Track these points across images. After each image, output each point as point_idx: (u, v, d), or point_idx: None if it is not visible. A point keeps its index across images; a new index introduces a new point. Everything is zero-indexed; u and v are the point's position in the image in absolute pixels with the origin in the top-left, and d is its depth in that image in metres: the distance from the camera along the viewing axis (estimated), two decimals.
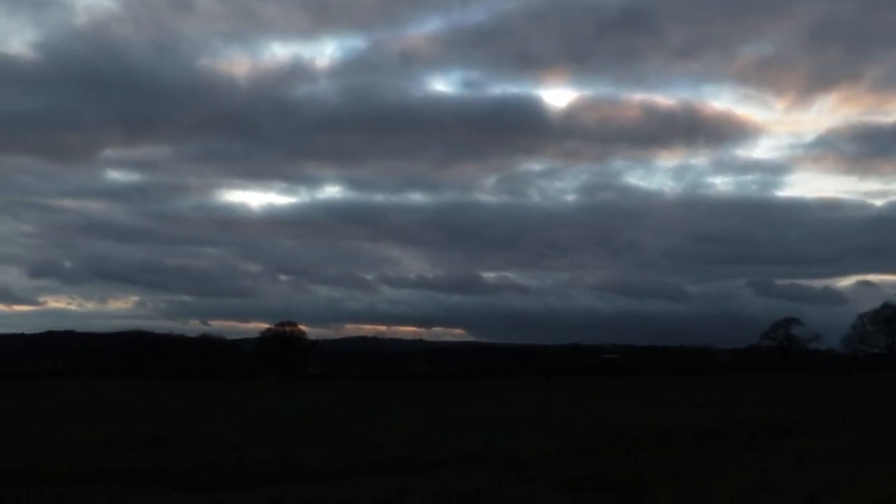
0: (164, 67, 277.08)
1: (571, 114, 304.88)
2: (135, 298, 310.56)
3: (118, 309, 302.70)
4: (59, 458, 25.15)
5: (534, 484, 18.14)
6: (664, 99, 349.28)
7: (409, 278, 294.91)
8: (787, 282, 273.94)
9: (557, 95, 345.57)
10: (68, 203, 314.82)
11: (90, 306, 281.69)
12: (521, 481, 18.72)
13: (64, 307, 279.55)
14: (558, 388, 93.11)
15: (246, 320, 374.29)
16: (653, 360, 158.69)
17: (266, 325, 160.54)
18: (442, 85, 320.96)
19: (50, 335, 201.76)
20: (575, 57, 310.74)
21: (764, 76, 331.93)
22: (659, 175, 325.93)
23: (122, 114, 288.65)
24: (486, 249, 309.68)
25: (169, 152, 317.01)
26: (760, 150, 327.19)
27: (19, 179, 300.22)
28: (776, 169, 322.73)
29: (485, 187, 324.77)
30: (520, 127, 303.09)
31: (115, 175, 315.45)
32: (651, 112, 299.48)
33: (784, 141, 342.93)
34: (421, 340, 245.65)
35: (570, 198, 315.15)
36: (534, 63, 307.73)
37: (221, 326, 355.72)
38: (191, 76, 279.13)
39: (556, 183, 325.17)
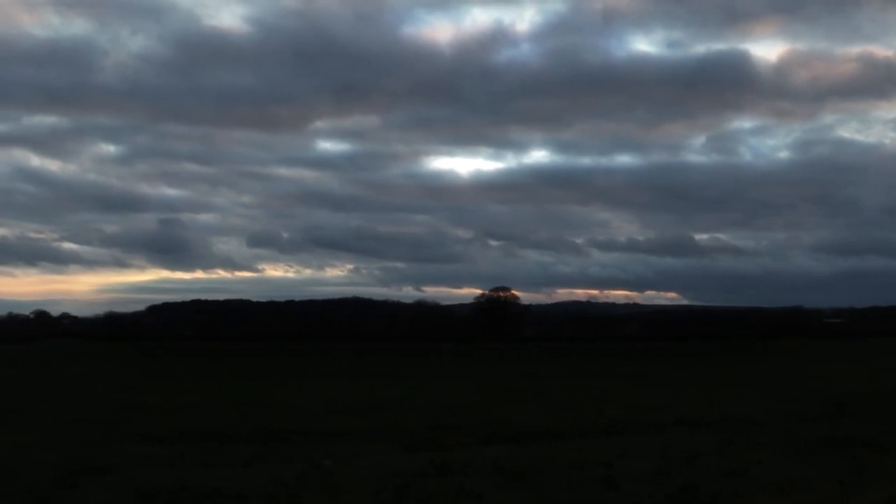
0: (370, 37, 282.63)
1: (782, 68, 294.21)
2: (350, 266, 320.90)
3: (334, 276, 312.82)
4: (288, 420, 26.13)
5: (760, 447, 17.69)
6: (882, 49, 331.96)
7: (619, 241, 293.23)
8: None
9: (766, 50, 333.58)
10: (283, 173, 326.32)
11: (307, 273, 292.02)
12: (745, 444, 18.29)
13: (282, 275, 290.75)
14: (777, 350, 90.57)
15: (458, 286, 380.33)
16: (876, 322, 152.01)
17: (478, 291, 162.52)
18: (645, 45, 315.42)
19: (272, 304, 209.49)
20: (784, 7, 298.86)
21: None
22: (878, 127, 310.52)
23: (331, 85, 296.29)
24: (697, 210, 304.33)
25: (377, 121, 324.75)
26: None
27: (236, 151, 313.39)
28: None
29: (694, 147, 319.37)
30: (728, 84, 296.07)
31: (326, 145, 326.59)
32: (868, 63, 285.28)
33: None
34: (634, 304, 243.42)
35: (783, 155, 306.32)
36: (740, 17, 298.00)
37: (434, 292, 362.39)
38: (395, 45, 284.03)
39: (768, 140, 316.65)
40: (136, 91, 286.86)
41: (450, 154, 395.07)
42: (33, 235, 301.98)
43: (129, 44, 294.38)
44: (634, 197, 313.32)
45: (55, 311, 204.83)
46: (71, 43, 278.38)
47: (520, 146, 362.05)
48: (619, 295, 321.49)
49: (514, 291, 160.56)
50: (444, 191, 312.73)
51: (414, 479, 13.87)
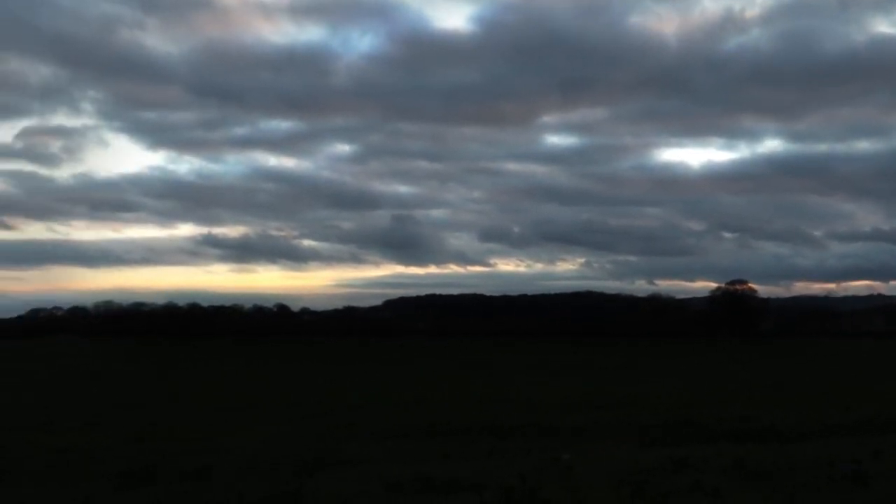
0: (595, 30, 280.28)
1: None
2: (581, 260, 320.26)
3: (566, 270, 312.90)
4: (524, 414, 26.29)
5: None
6: None
7: (862, 231, 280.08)
8: None
9: None
10: (512, 168, 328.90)
11: (538, 268, 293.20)
12: None
13: (513, 269, 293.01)
14: None
15: (691, 279, 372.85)
16: None
17: (712, 284, 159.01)
18: (885, 26, 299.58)
19: (505, 298, 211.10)
20: None
21: None
22: None
23: (558, 79, 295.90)
24: None
25: (604, 114, 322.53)
26: None
27: (465, 148, 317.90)
28: None
29: None
30: None
31: (554, 139, 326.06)
32: None
33: None
34: (879, 295, 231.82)
35: None
36: None
37: (667, 286, 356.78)
38: (622, 36, 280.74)
39: None
40: (367, 92, 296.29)
41: (680, 145, 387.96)
42: (274, 233, 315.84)
43: (359, 46, 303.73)
44: (877, 185, 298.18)
45: (295, 306, 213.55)
46: (305, 48, 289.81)
47: (752, 135, 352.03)
48: (860, 286, 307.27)
49: (751, 285, 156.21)
50: (674, 183, 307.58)
51: (651, 475, 13.70)
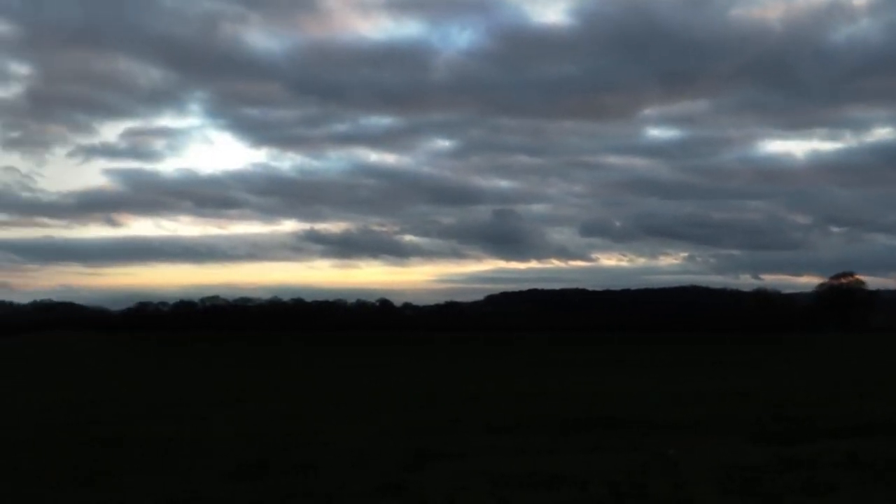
0: (698, 20, 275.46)
1: None
2: (684, 254, 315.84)
3: (669, 265, 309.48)
4: (629, 409, 26.10)
5: None
6: None
7: None
8: None
9: None
10: (613, 161, 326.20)
11: (641, 262, 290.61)
12: None
13: (615, 264, 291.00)
14: None
15: (797, 273, 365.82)
16: None
17: (819, 279, 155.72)
18: None
19: (608, 293, 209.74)
20: None
21: None
22: None
23: (659, 71, 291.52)
24: None
25: (707, 106, 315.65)
26: None
27: (566, 142, 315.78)
28: None
29: None
30: None
31: (655, 132, 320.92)
32: None
33: None
34: None
35: None
36: None
37: (773, 280, 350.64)
38: (724, 27, 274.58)
39: None
40: (467, 86, 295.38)
41: (784, 137, 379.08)
42: (375, 228, 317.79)
43: (458, 41, 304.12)
44: None
45: (398, 301, 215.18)
46: (404, 44, 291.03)
47: (860, 125, 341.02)
48: None
49: (858, 277, 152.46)
50: (779, 175, 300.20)
51: (760, 471, 13.51)
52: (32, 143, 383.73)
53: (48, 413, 25.60)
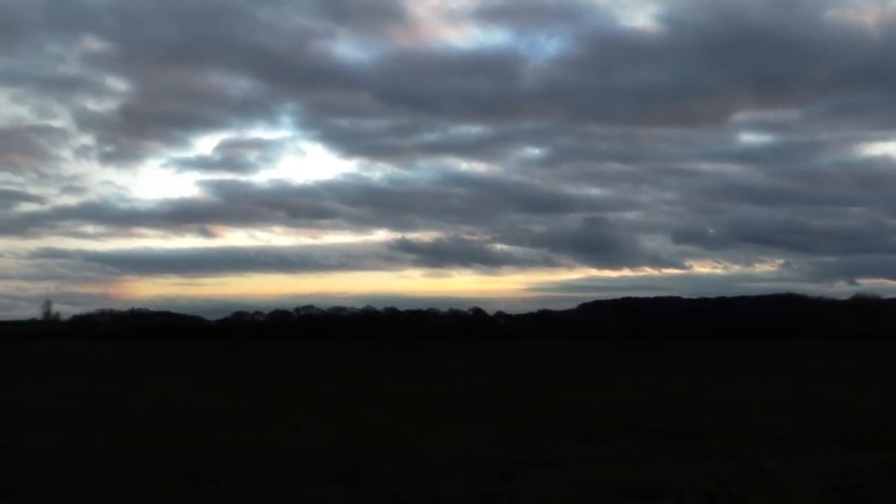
0: (790, 24, 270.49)
1: None
2: (780, 261, 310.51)
3: (764, 272, 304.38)
4: (725, 417, 25.72)
5: None
6: None
7: None
8: None
9: None
10: (705, 168, 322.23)
11: (735, 269, 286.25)
12: None
13: (709, 271, 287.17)
14: None
15: None
16: None
17: None
18: None
19: (703, 301, 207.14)
20: None
21: None
22: None
23: (751, 75, 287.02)
24: None
25: (801, 110, 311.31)
26: None
27: (657, 148, 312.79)
28: None
29: None
30: None
31: (748, 137, 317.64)
32: None
33: None
34: None
35: None
36: None
37: (871, 285, 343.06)
38: (819, 30, 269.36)
39: None
40: (556, 94, 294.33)
41: (883, 140, 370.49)
42: (466, 237, 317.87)
43: (546, 48, 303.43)
44: None
45: (490, 310, 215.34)
46: (492, 52, 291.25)
47: None
48: None
49: None
50: (878, 179, 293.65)
51: (864, 482, 13.21)
52: (128, 157, 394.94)
53: (145, 419, 26.11)
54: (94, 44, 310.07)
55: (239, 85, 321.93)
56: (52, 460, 16.90)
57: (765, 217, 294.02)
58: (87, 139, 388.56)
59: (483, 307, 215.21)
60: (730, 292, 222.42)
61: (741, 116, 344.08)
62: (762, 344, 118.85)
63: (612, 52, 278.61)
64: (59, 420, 26.40)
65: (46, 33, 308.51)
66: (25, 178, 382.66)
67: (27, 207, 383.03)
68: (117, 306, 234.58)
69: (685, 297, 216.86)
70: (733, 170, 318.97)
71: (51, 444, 19.68)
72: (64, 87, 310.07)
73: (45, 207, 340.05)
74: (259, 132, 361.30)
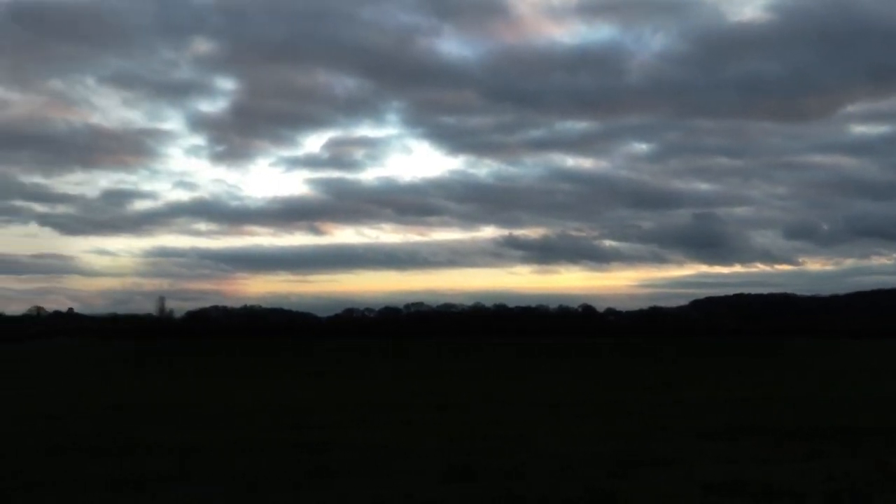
0: None
1: None
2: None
3: (881, 266, 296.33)
4: (846, 416, 25.12)
5: None
6: None
7: None
8: None
9: None
10: (817, 161, 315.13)
11: (849, 264, 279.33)
12: None
13: (822, 267, 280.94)
14: None
15: None
16: None
17: None
18: None
19: (815, 299, 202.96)
20: None
21: None
22: None
23: (864, 66, 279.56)
24: None
25: None
26: None
27: (767, 142, 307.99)
28: None
29: None
30: None
31: (862, 129, 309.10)
32: None
33: None
34: None
35: None
36: None
37: None
38: None
39: None
40: (662, 89, 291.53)
41: None
42: (574, 233, 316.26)
43: (652, 43, 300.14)
44: None
45: (600, 306, 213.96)
46: (597, 48, 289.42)
47: None
48: None
49: None
50: None
51: None
52: (238, 156, 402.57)
53: (255, 416, 26.52)
54: (202, 45, 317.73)
55: (345, 83, 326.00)
56: (171, 453, 17.25)
57: (881, 211, 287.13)
58: (197, 139, 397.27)
59: (593, 304, 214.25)
60: (843, 289, 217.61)
61: (853, 108, 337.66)
62: (882, 339, 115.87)
63: (719, 44, 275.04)
64: (175, 413, 27.04)
65: (156, 36, 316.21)
66: (138, 176, 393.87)
67: (140, 205, 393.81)
68: (230, 303, 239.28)
69: (799, 293, 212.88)
70: (846, 162, 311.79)
71: (170, 438, 20.10)
72: (175, 91, 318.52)
73: (159, 203, 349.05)
74: (366, 130, 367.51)
